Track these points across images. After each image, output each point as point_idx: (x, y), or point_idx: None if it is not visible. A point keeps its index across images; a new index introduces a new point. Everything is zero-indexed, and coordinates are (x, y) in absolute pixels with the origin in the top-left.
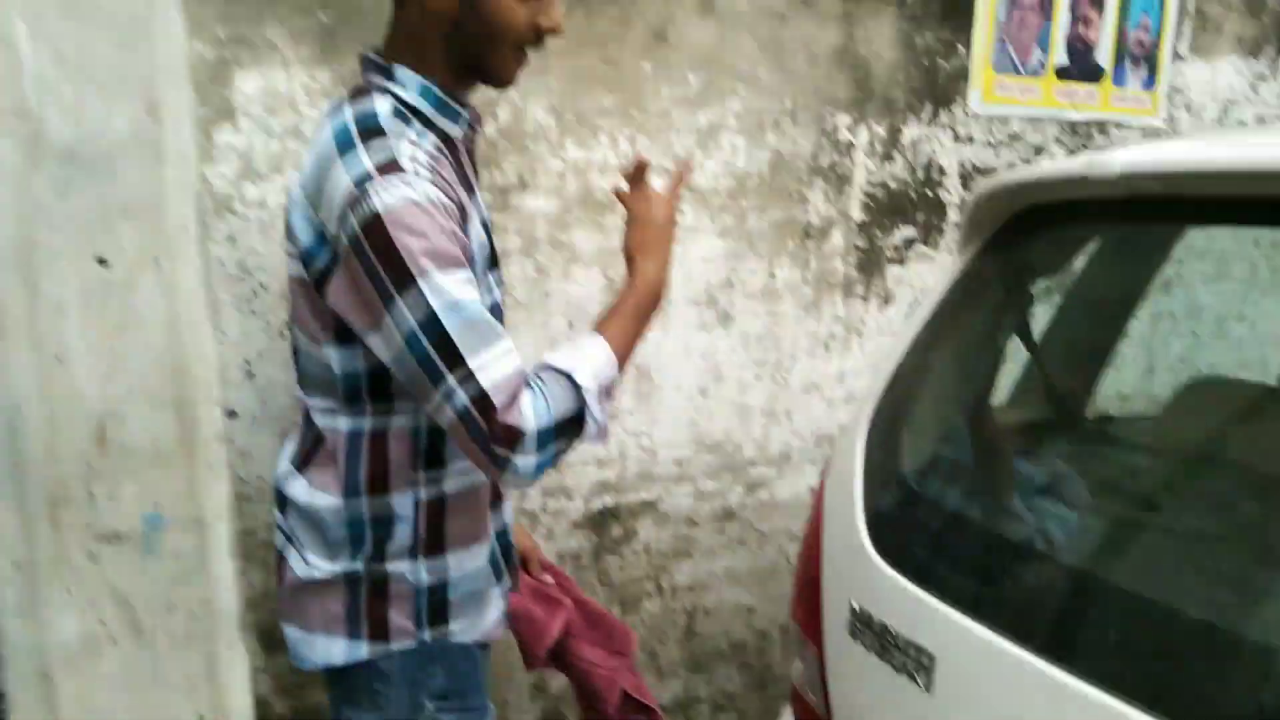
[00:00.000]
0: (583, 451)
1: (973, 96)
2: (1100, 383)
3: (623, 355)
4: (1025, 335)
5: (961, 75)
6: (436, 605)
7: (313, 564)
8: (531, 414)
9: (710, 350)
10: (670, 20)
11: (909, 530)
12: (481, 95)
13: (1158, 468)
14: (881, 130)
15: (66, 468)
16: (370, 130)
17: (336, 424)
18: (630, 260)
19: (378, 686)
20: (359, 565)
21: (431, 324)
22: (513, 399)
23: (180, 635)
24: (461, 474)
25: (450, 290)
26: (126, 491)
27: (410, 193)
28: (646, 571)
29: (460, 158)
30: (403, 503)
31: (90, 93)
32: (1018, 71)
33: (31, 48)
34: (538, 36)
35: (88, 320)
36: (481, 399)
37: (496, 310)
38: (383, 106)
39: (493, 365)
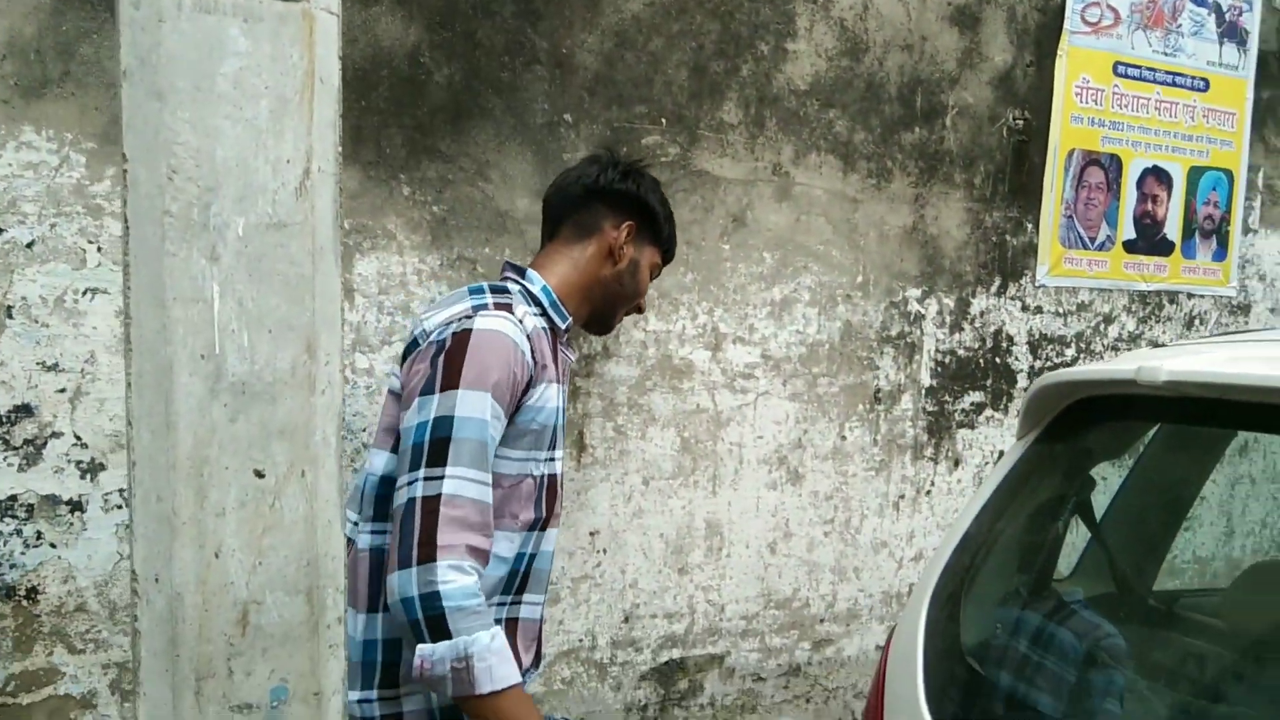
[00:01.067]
0: (651, 604)
1: (1040, 270)
2: (1164, 561)
3: (495, 708)
4: (1087, 516)
5: (1029, 251)
6: None
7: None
8: (457, 583)
9: (780, 508)
10: (749, 206)
11: (967, 703)
12: None
13: (1222, 651)
14: (950, 302)
15: (212, 647)
16: (500, 292)
17: (359, 539)
18: None
19: None
20: (371, 694)
21: (451, 422)
22: (466, 525)
23: None
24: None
25: (475, 407)
26: (259, 668)
27: (504, 328)
28: None
29: (558, 346)
30: None
31: (262, 337)
32: (1085, 246)
33: (220, 304)
34: (637, 309)
35: (242, 522)
36: (431, 500)
37: (548, 482)
38: (514, 288)
39: (465, 483)
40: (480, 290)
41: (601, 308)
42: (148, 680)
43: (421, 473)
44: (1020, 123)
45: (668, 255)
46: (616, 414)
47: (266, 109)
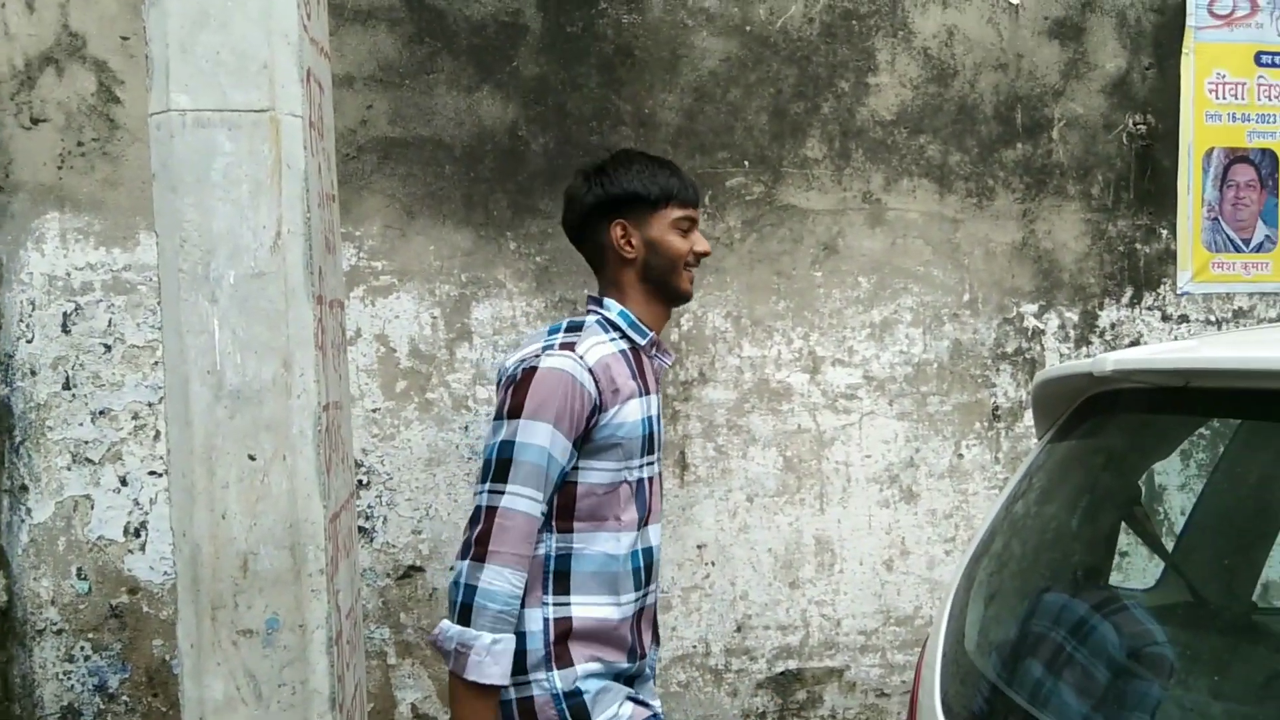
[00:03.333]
0: (764, 616)
1: (1182, 278)
2: (1260, 572)
3: (466, 700)
4: (1135, 520)
5: (1165, 258)
6: (575, 707)
7: None
8: (495, 585)
9: (894, 526)
10: (840, 235)
11: (971, 704)
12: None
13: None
14: (1074, 316)
15: (223, 585)
16: (574, 329)
17: None
18: None
19: None
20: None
21: (511, 446)
22: (514, 536)
23: (286, 703)
24: (585, 604)
25: (532, 435)
26: (257, 603)
27: (564, 365)
28: None
29: (643, 363)
30: (532, 620)
31: (250, 356)
32: (1237, 249)
33: (220, 334)
34: (696, 259)
35: (241, 493)
36: (491, 510)
37: (647, 484)
38: (590, 319)
39: (516, 499)
40: (556, 330)
41: (660, 293)
42: (181, 607)
43: (488, 485)
44: (1142, 127)
45: (685, 201)
46: (716, 435)
47: (247, 191)
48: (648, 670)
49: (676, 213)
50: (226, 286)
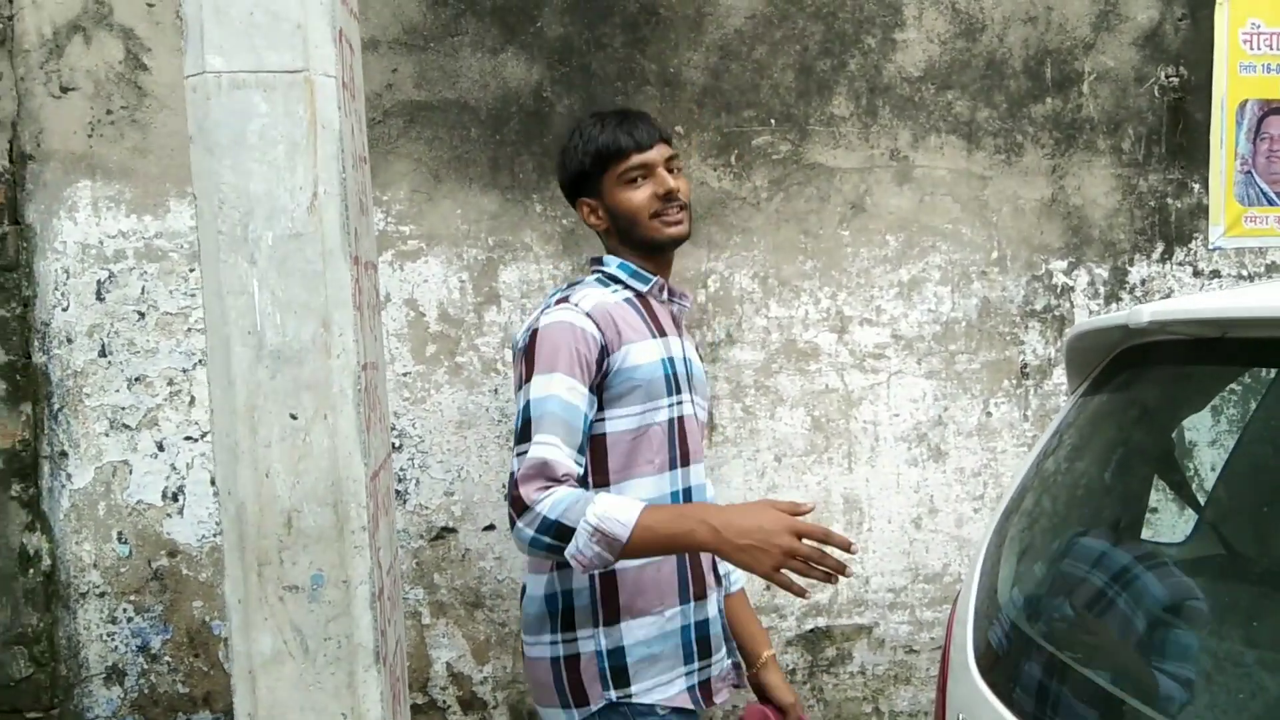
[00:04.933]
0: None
1: (1214, 232)
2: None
3: (643, 532)
4: (1170, 473)
5: (1198, 213)
6: (617, 668)
7: (528, 643)
8: (548, 501)
9: (922, 484)
10: (867, 193)
11: (1006, 656)
12: (693, 269)
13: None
14: (1104, 272)
15: (268, 542)
16: (572, 285)
17: None
18: (724, 526)
19: None
20: (556, 637)
21: (528, 406)
22: (534, 475)
23: (332, 657)
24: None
25: (546, 388)
26: (302, 559)
27: (562, 316)
28: (864, 694)
29: (651, 309)
30: (580, 577)
31: (290, 317)
32: (1271, 203)
33: (259, 295)
34: (664, 200)
35: (284, 452)
36: (521, 466)
37: (679, 424)
38: (590, 277)
39: (536, 447)
40: (555, 291)
41: (642, 247)
42: (229, 564)
43: (515, 449)
44: (1174, 80)
45: (621, 153)
46: (744, 395)
47: (283, 152)
48: (715, 610)
49: (619, 168)
50: (265, 247)
